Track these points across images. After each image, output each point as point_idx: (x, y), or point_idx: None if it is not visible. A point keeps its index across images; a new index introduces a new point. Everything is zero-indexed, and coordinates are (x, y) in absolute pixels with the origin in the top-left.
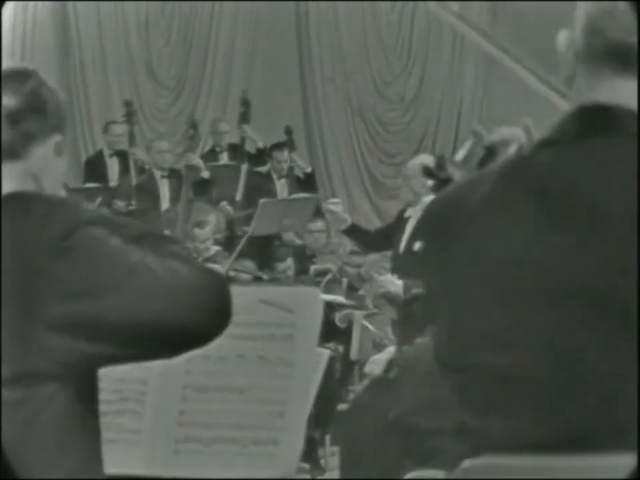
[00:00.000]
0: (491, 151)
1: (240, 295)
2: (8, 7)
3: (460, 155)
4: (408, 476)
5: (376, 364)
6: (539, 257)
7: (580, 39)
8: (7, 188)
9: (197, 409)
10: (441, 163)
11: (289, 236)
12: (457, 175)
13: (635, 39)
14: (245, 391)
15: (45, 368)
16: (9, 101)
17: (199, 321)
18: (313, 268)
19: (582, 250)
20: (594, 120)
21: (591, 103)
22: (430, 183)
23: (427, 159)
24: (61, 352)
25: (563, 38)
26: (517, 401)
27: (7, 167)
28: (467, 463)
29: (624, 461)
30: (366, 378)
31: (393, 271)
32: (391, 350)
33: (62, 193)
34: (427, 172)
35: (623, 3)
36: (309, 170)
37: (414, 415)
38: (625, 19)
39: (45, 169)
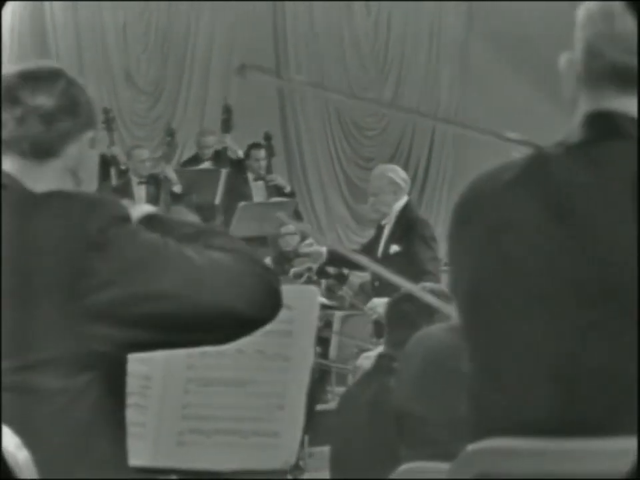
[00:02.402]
0: None
1: None
2: (8, 7)
3: None
4: (402, 468)
5: (367, 359)
6: (544, 249)
7: (580, 62)
8: (48, 185)
9: (199, 402)
10: None
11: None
12: None
13: (634, 59)
14: (245, 385)
15: (81, 356)
16: (42, 101)
17: (240, 306)
18: (292, 271)
19: (582, 245)
20: (598, 125)
21: (595, 110)
22: None
23: (387, 169)
24: (97, 340)
25: (563, 60)
26: (527, 379)
27: (46, 165)
28: (470, 447)
29: (628, 445)
30: (357, 372)
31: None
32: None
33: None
34: None
35: (620, 23)
36: (288, 190)
37: (411, 404)
38: (623, 40)
39: (81, 163)
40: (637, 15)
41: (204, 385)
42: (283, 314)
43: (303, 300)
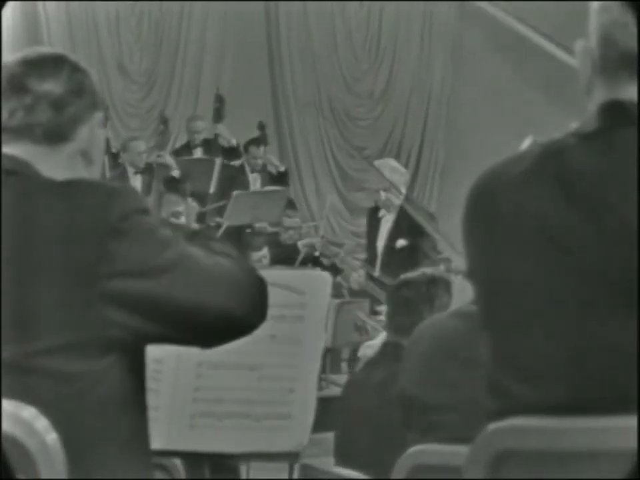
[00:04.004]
0: None
1: None
2: (8, 7)
3: None
4: (410, 450)
5: (370, 348)
6: (560, 234)
7: (595, 50)
8: (61, 168)
9: (211, 386)
10: None
11: (261, 225)
12: None
13: None
14: (256, 368)
15: (101, 340)
16: (51, 87)
17: (239, 311)
18: (300, 243)
19: (598, 230)
20: (612, 114)
21: (610, 100)
22: None
23: (391, 162)
24: (113, 326)
25: (579, 47)
26: (546, 365)
27: (58, 149)
28: (491, 426)
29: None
30: (359, 362)
31: (371, 262)
32: (384, 335)
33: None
34: None
35: (636, 12)
36: (282, 169)
37: (416, 390)
38: (635, 27)
39: (93, 144)
40: (637, 14)
41: (215, 368)
42: (295, 299)
43: (314, 285)
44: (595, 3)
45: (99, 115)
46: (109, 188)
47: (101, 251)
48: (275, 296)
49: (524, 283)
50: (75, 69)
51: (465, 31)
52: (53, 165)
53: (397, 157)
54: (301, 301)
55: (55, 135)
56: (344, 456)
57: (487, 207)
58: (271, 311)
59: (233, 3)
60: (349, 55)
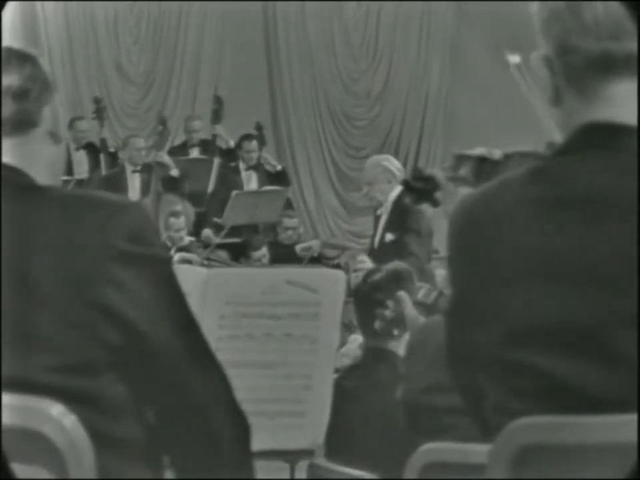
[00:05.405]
0: (483, 161)
1: (267, 277)
2: (9, 7)
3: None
4: (423, 448)
5: (346, 356)
6: (571, 250)
7: (555, 60)
8: (33, 154)
9: None
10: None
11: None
12: (450, 186)
13: (613, 42)
14: (272, 367)
15: (101, 358)
16: (8, 81)
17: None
18: (298, 247)
19: (605, 244)
20: (596, 138)
21: (590, 122)
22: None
23: (380, 158)
24: (113, 346)
25: (535, 61)
26: (549, 390)
27: (31, 136)
28: (514, 422)
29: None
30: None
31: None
32: (354, 338)
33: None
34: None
35: (588, 12)
36: (279, 168)
37: (425, 394)
38: (598, 28)
39: (57, 122)
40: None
41: (231, 366)
42: (309, 297)
43: (328, 283)
44: (542, 15)
45: (57, 95)
46: (114, 203)
47: (102, 273)
48: (289, 295)
49: (536, 307)
50: (24, 56)
51: (462, 30)
52: (31, 153)
53: (395, 157)
54: (316, 299)
55: (26, 124)
56: (341, 459)
57: (479, 240)
58: (286, 309)
59: (230, 4)
60: (346, 55)
